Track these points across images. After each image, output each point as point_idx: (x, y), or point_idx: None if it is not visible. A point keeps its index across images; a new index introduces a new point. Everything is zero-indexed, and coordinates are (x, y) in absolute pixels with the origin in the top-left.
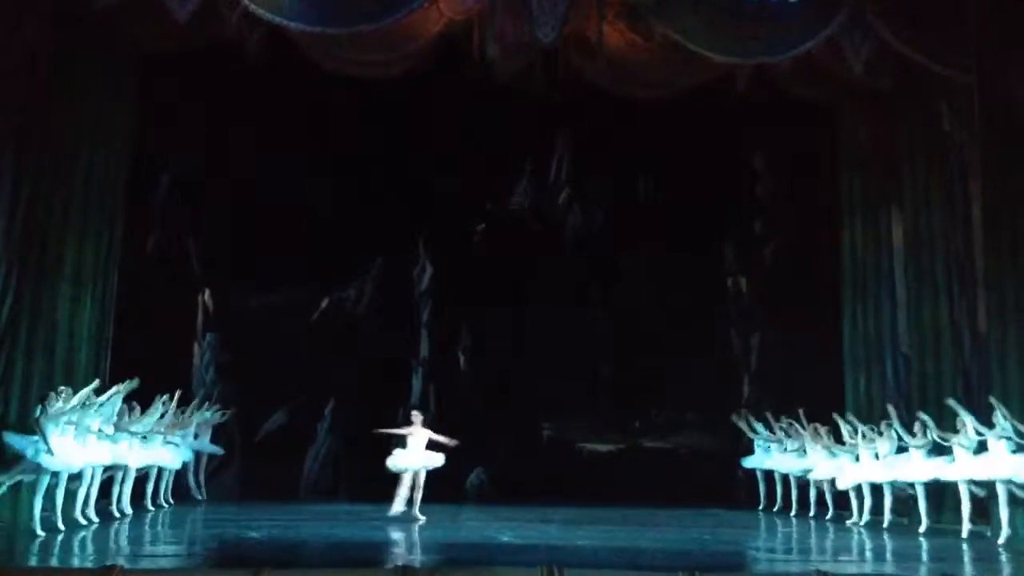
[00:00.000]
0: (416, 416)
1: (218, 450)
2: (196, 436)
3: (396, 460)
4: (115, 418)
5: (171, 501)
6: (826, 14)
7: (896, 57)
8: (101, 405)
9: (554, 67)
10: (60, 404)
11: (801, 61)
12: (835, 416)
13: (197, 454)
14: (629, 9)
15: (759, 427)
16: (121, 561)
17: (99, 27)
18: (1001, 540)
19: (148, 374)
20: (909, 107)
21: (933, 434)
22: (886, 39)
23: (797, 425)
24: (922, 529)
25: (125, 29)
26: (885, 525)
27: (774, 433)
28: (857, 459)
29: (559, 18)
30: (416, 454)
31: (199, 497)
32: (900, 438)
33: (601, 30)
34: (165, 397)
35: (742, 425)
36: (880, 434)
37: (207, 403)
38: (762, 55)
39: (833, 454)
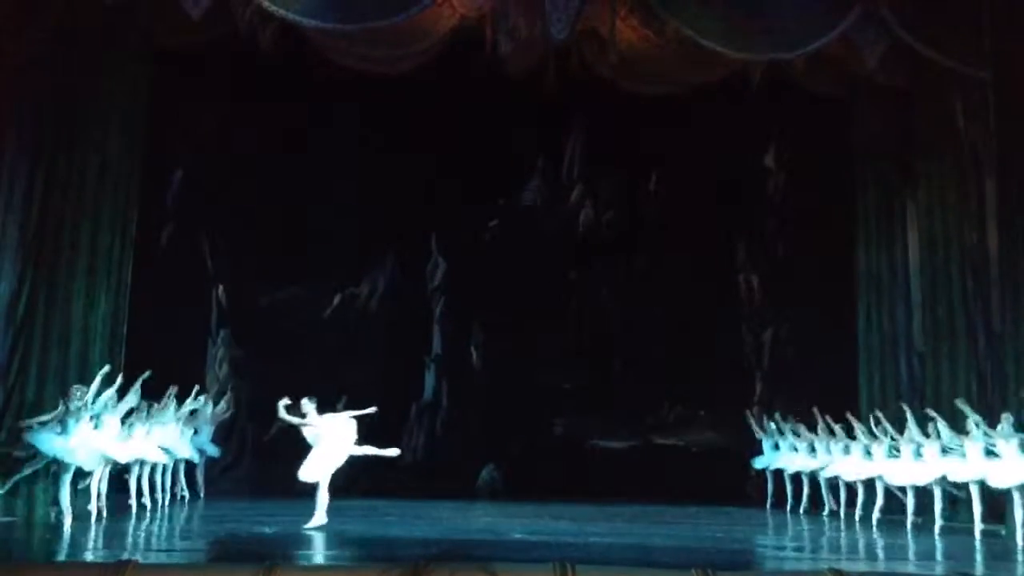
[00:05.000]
0: (307, 405)
1: (215, 452)
2: (196, 432)
3: (302, 470)
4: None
5: (186, 493)
6: (840, 10)
7: (910, 53)
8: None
9: (567, 64)
10: (78, 401)
11: (815, 57)
12: (849, 417)
13: (199, 452)
14: (642, 5)
15: (770, 426)
16: (135, 555)
17: (112, 22)
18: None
19: (161, 369)
20: (923, 104)
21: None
22: (900, 35)
23: (803, 427)
24: (937, 528)
25: (138, 24)
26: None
27: (783, 433)
28: (869, 454)
29: (572, 14)
30: (319, 456)
31: (184, 495)
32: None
33: (614, 26)
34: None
35: (752, 423)
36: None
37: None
38: (776, 51)
39: (847, 450)
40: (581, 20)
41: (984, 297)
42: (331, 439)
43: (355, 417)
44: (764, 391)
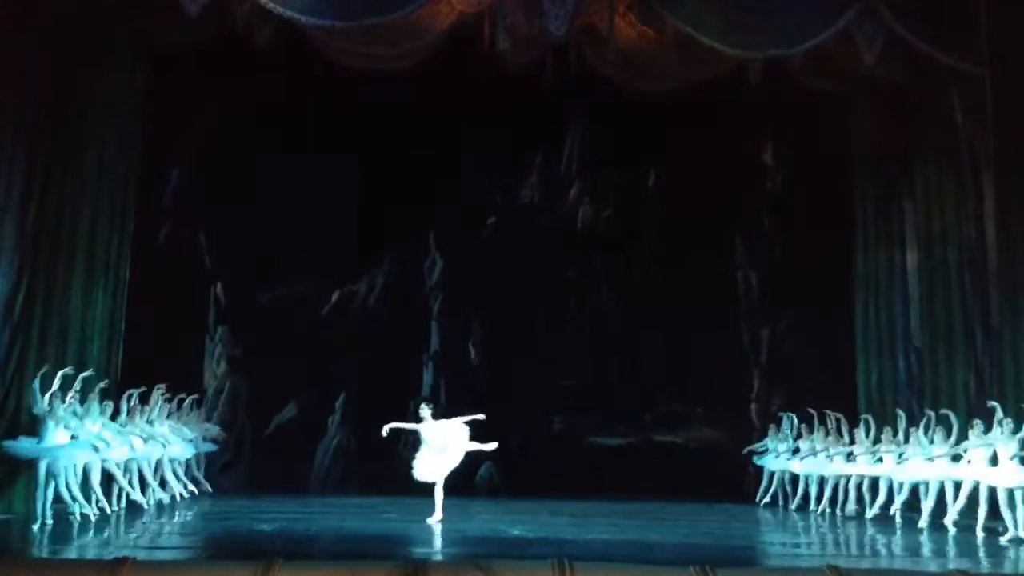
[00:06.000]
0: (424, 410)
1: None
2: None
3: (420, 471)
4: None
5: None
6: (838, 6)
7: (908, 50)
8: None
9: (565, 60)
10: (64, 408)
11: (813, 54)
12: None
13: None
14: (640, 2)
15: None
16: (133, 552)
17: (110, 20)
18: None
19: (159, 367)
20: (921, 100)
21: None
22: (898, 32)
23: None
24: (922, 524)
25: (136, 22)
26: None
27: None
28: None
29: (571, 11)
30: (437, 458)
31: (185, 494)
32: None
33: (612, 23)
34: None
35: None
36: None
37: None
38: (774, 48)
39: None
40: (579, 17)
41: (982, 293)
42: (445, 442)
43: (466, 422)
44: (762, 388)
